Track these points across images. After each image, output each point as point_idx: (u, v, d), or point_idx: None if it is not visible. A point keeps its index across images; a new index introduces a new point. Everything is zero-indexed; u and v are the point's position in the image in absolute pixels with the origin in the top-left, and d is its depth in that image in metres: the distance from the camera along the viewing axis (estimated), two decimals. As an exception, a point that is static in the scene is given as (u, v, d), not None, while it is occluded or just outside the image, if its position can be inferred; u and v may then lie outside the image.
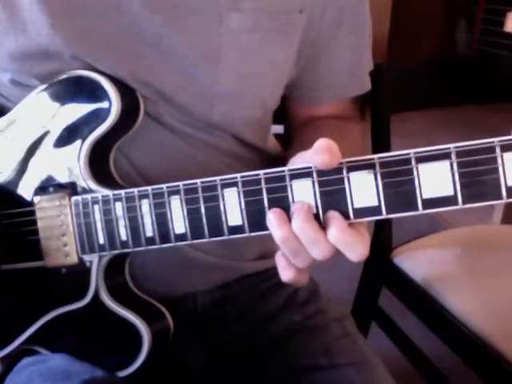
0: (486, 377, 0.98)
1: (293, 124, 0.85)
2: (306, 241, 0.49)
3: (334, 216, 0.48)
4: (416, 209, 0.46)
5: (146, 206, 0.56)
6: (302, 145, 0.54)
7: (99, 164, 0.61)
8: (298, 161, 0.51)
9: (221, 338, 0.75)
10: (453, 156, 0.44)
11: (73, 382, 0.58)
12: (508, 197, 0.44)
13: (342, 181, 0.48)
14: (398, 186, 0.46)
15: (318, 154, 0.47)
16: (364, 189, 0.47)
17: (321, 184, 0.49)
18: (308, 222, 0.49)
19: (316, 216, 0.49)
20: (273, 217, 0.50)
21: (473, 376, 0.99)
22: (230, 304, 0.76)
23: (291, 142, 0.79)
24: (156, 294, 0.67)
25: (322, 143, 0.48)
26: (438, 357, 1.15)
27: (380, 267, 1.22)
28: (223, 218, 0.53)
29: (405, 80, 1.15)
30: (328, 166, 0.48)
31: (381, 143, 1.11)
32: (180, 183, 0.54)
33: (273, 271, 0.81)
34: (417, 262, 1.15)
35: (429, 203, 0.46)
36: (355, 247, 0.48)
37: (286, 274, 0.52)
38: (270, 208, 0.51)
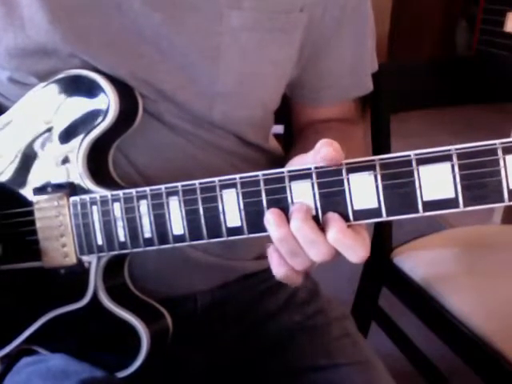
0: (486, 377, 0.97)
1: (294, 127, 0.84)
2: (304, 241, 0.48)
3: (334, 217, 0.48)
4: (416, 211, 0.46)
5: (144, 207, 0.56)
6: (303, 148, 0.54)
7: (98, 164, 0.61)
8: (297, 162, 0.51)
9: (221, 338, 0.75)
10: (454, 158, 0.44)
11: (71, 381, 0.59)
12: (510, 200, 0.43)
13: (341, 182, 0.47)
14: (399, 187, 0.46)
15: (323, 147, 0.47)
16: (364, 190, 0.47)
17: (320, 185, 0.48)
18: (306, 222, 0.48)
19: (315, 218, 0.49)
20: (271, 217, 0.50)
21: (473, 376, 0.99)
22: (230, 304, 0.76)
23: (292, 146, 0.78)
24: (156, 294, 0.67)
25: (324, 140, 0.47)
26: (437, 357, 1.15)
27: (380, 267, 1.21)
28: (222, 219, 0.52)
29: (405, 80, 1.15)
30: (332, 161, 0.47)
31: (381, 143, 1.11)
32: (178, 184, 0.54)
33: (273, 271, 0.81)
34: (417, 262, 1.15)
35: (429, 205, 0.45)
36: (355, 249, 0.47)
37: (279, 271, 0.52)
38: (268, 209, 0.50)
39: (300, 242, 0.49)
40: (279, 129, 1.02)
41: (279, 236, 0.49)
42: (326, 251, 0.48)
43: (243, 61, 0.65)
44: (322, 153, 0.47)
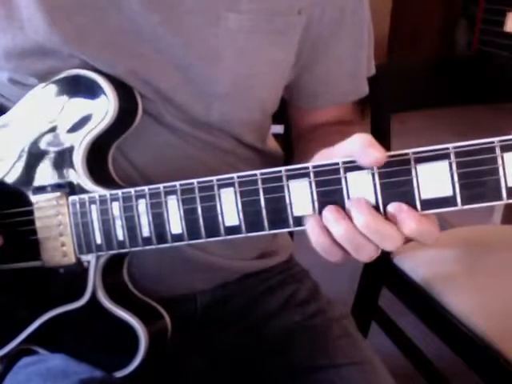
0: (486, 377, 0.97)
1: (294, 133, 0.84)
2: (377, 236, 0.47)
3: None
4: (414, 209, 0.46)
5: (142, 206, 0.56)
6: (306, 155, 0.53)
7: (97, 163, 0.61)
8: (324, 155, 0.49)
9: (221, 338, 0.75)
10: (452, 156, 0.44)
11: (71, 381, 0.59)
12: (508, 198, 0.43)
13: (339, 181, 0.47)
14: (397, 186, 0.46)
15: (370, 148, 0.45)
16: (361, 189, 0.47)
17: (318, 184, 0.48)
18: (374, 217, 0.46)
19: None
20: (329, 215, 0.48)
21: (473, 376, 0.99)
22: (230, 304, 0.76)
23: (293, 153, 0.78)
24: (156, 293, 0.67)
25: (367, 139, 0.46)
26: (437, 357, 1.15)
27: (380, 267, 1.21)
28: (220, 218, 0.52)
29: (405, 80, 1.15)
30: (379, 164, 0.46)
31: (381, 144, 1.10)
32: (177, 183, 0.54)
33: (273, 271, 0.81)
34: (417, 262, 1.15)
35: (427, 204, 0.45)
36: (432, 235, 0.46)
37: (319, 246, 0.49)
38: (266, 208, 0.50)
39: (370, 238, 0.47)
40: (279, 129, 1.02)
41: (342, 233, 0.47)
42: (401, 240, 0.47)
43: (241, 62, 0.65)
44: (369, 156, 0.45)
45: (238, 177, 0.51)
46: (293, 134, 0.85)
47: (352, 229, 0.47)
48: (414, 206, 0.46)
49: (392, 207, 0.46)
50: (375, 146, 0.46)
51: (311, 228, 0.49)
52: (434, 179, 0.45)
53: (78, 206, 0.59)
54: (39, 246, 0.62)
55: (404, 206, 0.46)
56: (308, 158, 0.50)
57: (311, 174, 0.48)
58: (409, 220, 0.45)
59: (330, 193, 0.48)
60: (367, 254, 0.48)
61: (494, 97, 1.26)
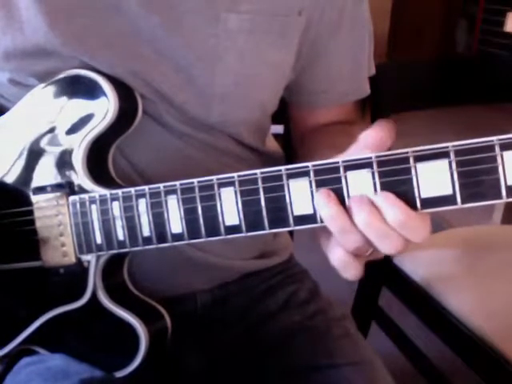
0: (486, 377, 0.97)
1: (295, 135, 0.85)
2: (377, 235, 0.47)
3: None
4: (414, 208, 0.45)
5: (143, 206, 0.56)
6: (309, 156, 0.53)
7: (97, 163, 0.61)
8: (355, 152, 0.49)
9: (221, 338, 0.75)
10: (451, 155, 0.44)
11: (71, 381, 0.59)
12: (508, 196, 0.43)
13: (339, 180, 0.47)
14: (396, 185, 0.46)
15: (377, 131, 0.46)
16: (361, 188, 0.47)
17: (318, 183, 0.48)
18: (375, 216, 0.46)
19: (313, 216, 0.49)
20: (321, 197, 0.48)
21: (473, 376, 0.99)
22: (230, 304, 0.76)
23: (295, 154, 0.78)
24: (156, 293, 0.67)
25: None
26: (437, 357, 1.15)
27: (380, 267, 1.21)
28: (220, 217, 0.52)
29: (405, 80, 1.15)
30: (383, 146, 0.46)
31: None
32: (177, 182, 0.54)
33: (273, 271, 0.81)
34: (417, 262, 1.15)
35: (427, 203, 0.45)
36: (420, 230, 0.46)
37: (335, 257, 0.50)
38: (266, 207, 0.50)
39: (370, 237, 0.47)
40: (279, 129, 1.02)
41: (330, 214, 0.47)
42: (401, 242, 0.47)
43: (241, 63, 0.65)
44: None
45: (238, 176, 0.51)
46: (294, 136, 0.85)
47: (344, 213, 0.47)
48: (413, 205, 0.46)
49: (380, 195, 0.46)
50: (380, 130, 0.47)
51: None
52: (434, 178, 0.44)
53: (78, 205, 0.59)
54: (39, 246, 0.62)
55: (391, 195, 0.45)
56: (312, 160, 0.50)
57: (311, 173, 0.48)
58: (394, 208, 0.45)
59: None
60: (353, 244, 0.48)
61: (494, 97, 1.26)
